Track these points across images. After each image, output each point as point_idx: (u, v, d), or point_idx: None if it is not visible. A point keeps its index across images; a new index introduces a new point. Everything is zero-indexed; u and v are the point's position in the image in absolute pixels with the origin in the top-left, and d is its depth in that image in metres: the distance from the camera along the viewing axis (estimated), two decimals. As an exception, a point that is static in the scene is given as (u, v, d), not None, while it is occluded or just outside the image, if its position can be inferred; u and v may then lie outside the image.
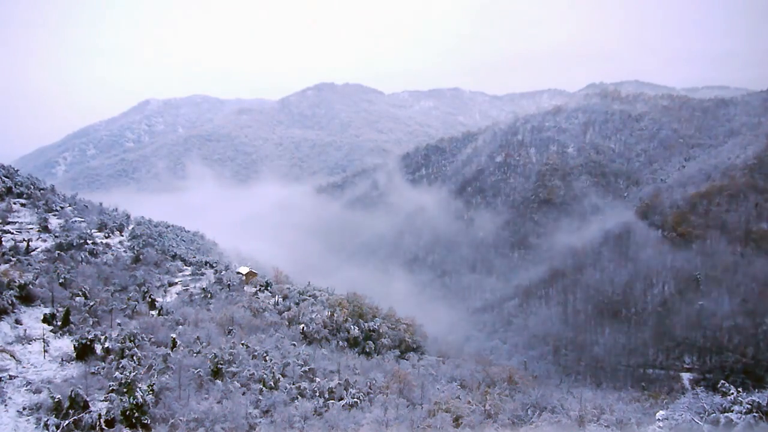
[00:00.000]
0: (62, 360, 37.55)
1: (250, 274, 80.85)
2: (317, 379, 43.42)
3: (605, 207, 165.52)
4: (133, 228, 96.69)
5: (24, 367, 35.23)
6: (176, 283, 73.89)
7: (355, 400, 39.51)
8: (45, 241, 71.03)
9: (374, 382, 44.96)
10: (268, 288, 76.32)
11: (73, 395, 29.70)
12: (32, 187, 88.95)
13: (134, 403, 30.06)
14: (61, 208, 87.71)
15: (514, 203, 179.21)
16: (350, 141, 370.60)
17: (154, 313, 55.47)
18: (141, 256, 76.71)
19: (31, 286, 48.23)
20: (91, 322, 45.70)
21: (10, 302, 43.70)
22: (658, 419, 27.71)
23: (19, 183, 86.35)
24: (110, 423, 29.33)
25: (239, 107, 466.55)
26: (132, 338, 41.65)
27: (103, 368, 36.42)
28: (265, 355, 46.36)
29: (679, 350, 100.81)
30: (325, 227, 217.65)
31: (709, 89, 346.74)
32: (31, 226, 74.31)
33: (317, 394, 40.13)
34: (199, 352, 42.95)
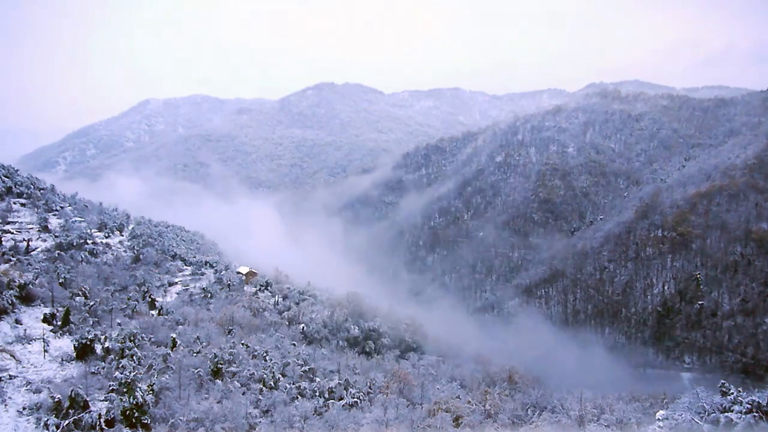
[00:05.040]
0: (62, 360, 37.55)
1: (250, 274, 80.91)
2: (317, 379, 43.44)
3: (605, 207, 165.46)
4: (133, 228, 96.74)
5: (24, 367, 35.21)
6: (176, 283, 73.93)
7: (355, 399, 39.56)
8: (45, 240, 71.04)
9: (374, 381, 45.01)
10: (268, 288, 76.36)
11: (73, 395, 29.69)
12: (32, 186, 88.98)
13: (134, 403, 30.06)
14: (61, 207, 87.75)
15: (514, 203, 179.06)
16: (350, 141, 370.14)
17: (154, 313, 55.49)
18: (141, 256, 76.76)
19: (31, 286, 48.22)
20: (91, 322, 45.70)
21: (10, 302, 43.69)
22: (658, 419, 27.70)
23: (19, 183, 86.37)
24: (110, 423, 29.34)
25: (239, 107, 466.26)
26: (132, 338, 41.65)
27: (103, 368, 36.42)
28: (265, 355, 46.38)
29: (679, 350, 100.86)
30: (325, 227, 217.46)
31: (709, 89, 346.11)
32: (31, 226, 74.32)
33: (317, 394, 40.16)
34: (199, 352, 42.96)
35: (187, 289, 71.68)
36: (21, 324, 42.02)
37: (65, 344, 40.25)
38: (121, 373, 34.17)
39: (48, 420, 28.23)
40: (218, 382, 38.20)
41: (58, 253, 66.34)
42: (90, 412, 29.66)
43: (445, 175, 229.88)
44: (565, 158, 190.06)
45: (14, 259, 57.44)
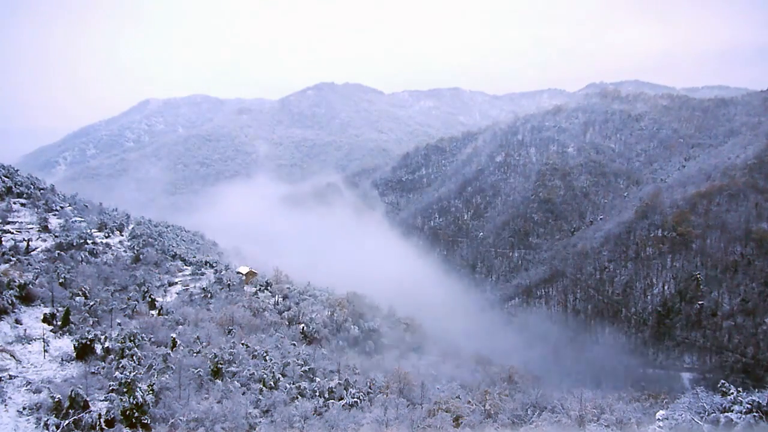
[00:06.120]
0: (62, 360, 37.55)
1: (250, 274, 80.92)
2: (317, 379, 43.45)
3: (605, 207, 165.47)
4: (133, 228, 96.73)
5: (24, 367, 35.22)
6: (176, 283, 73.92)
7: (355, 399, 39.57)
8: (45, 240, 71.04)
9: (374, 381, 45.03)
10: (268, 288, 76.35)
11: (73, 395, 29.69)
12: (32, 186, 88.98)
13: (134, 403, 30.06)
14: (61, 207, 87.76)
15: (514, 203, 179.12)
16: (350, 141, 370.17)
17: (154, 313, 55.48)
18: (141, 256, 76.74)
19: (31, 286, 48.23)
20: (91, 322, 45.71)
21: (10, 302, 43.70)
22: (658, 419, 27.70)
23: (19, 183, 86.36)
24: (110, 423, 29.33)
25: (239, 107, 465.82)
26: (132, 338, 41.64)
27: (103, 368, 36.42)
28: (265, 355, 46.40)
29: (679, 350, 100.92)
30: (325, 227, 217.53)
31: (709, 89, 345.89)
32: (31, 226, 74.32)
33: (317, 394, 40.17)
34: (199, 352, 42.98)
35: (187, 289, 71.68)
36: (21, 324, 42.03)
37: (65, 344, 40.25)
38: (121, 373, 34.17)
39: (48, 420, 28.23)
40: (218, 382, 38.20)
41: (58, 253, 66.34)
42: (90, 412, 29.66)
43: (445, 175, 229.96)
44: (565, 158, 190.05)
45: (14, 259, 57.44)
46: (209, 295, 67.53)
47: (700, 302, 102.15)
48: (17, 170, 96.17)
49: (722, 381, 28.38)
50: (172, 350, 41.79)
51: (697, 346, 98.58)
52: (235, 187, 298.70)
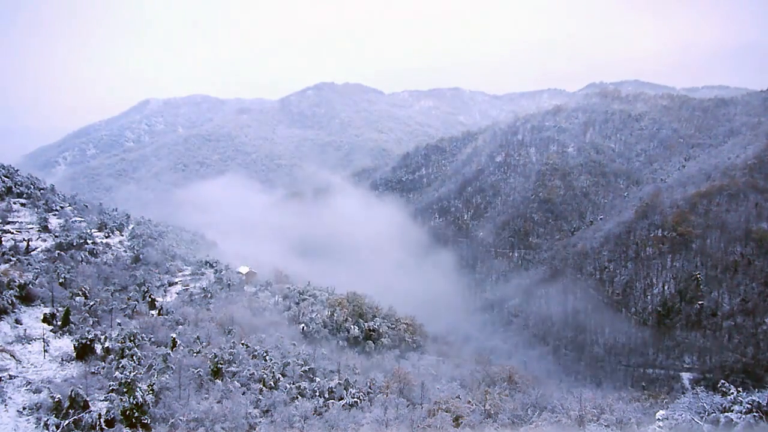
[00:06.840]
0: (62, 360, 37.57)
1: (250, 274, 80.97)
2: (317, 379, 43.46)
3: (605, 207, 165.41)
4: (133, 228, 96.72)
5: (24, 367, 35.23)
6: (176, 283, 73.95)
7: (355, 399, 39.58)
8: (45, 240, 71.07)
9: (374, 381, 45.03)
10: (268, 288, 76.38)
11: (73, 395, 29.71)
12: (32, 186, 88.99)
13: (134, 402, 30.08)
14: (61, 207, 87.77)
15: (514, 203, 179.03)
16: (350, 141, 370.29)
17: (154, 312, 55.51)
18: (141, 256, 76.77)
19: (31, 286, 48.26)
20: (91, 322, 45.73)
21: (10, 302, 43.72)
22: (658, 419, 27.71)
23: (19, 183, 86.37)
24: (110, 423, 29.35)
25: (239, 107, 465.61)
26: (132, 338, 41.65)
27: (103, 368, 36.44)
28: (265, 354, 46.41)
29: (679, 350, 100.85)
30: (324, 227, 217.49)
31: (709, 89, 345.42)
32: (31, 226, 74.34)
33: (317, 393, 40.19)
34: (199, 352, 42.99)
35: (187, 289, 71.71)
36: (21, 324, 42.05)
37: (65, 344, 40.26)
38: (121, 373, 34.18)
39: (48, 420, 28.25)
40: (218, 382, 38.22)
41: (58, 253, 66.37)
42: (90, 412, 29.68)
43: (445, 175, 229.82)
44: (565, 158, 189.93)
45: (14, 259, 57.47)
46: (209, 295, 67.55)
47: (700, 302, 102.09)
48: (17, 170, 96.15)
49: (722, 381, 28.41)
50: (172, 350, 41.80)
51: (697, 346, 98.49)
52: (235, 187, 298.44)
